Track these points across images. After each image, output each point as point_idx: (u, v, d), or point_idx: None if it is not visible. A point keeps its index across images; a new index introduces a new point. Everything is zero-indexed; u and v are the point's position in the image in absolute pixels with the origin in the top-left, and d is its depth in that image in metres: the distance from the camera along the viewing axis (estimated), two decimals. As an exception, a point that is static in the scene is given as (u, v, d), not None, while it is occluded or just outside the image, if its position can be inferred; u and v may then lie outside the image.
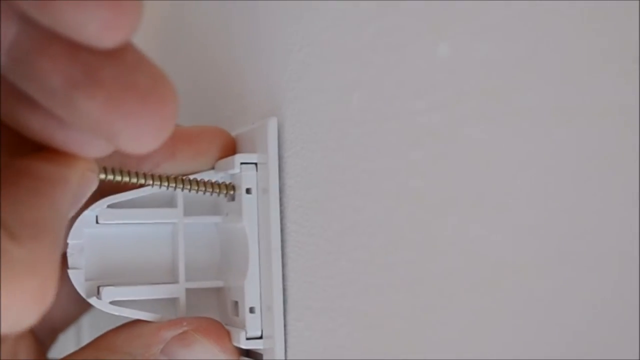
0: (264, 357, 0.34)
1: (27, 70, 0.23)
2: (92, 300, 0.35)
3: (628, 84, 0.19)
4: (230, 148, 0.37)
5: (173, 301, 0.37)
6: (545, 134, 0.22)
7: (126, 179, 0.34)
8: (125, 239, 0.36)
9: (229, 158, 0.35)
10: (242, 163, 0.35)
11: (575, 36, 0.21)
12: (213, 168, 0.37)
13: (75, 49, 0.22)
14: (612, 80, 0.20)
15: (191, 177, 0.35)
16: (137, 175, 0.34)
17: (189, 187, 0.35)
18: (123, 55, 0.23)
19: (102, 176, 0.33)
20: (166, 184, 0.35)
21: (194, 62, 0.47)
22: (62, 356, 0.35)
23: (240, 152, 0.36)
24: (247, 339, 0.34)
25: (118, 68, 0.22)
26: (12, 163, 0.24)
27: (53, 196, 0.24)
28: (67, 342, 0.54)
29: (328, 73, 0.31)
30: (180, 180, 0.35)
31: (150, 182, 0.34)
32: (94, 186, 0.28)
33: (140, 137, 0.23)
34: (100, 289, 0.35)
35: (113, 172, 0.33)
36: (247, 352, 0.35)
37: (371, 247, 0.29)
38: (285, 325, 0.34)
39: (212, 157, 0.37)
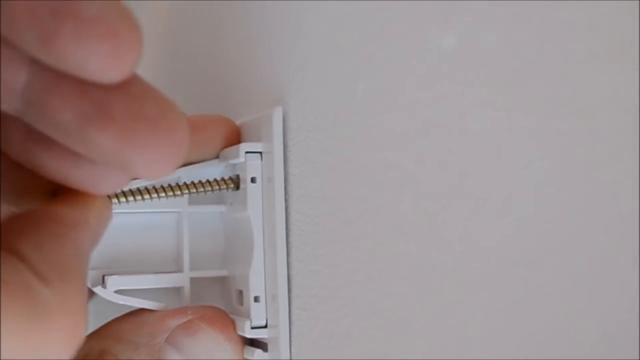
0: (269, 346, 0.34)
1: (40, 110, 0.23)
2: (97, 289, 0.35)
3: (635, 77, 0.19)
4: (235, 137, 0.37)
5: (178, 290, 0.37)
6: (551, 126, 0.21)
7: (131, 198, 0.34)
8: (130, 227, 0.36)
9: (234, 147, 0.35)
10: (247, 152, 0.35)
11: (581, 27, 0.21)
12: (217, 157, 0.37)
13: (84, 86, 0.23)
14: (619, 72, 0.20)
15: (195, 179, 0.36)
16: (140, 192, 0.35)
17: (194, 190, 0.35)
18: (129, 87, 0.23)
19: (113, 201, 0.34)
20: (172, 193, 0.35)
21: (200, 52, 0.47)
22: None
23: (244, 141, 0.36)
24: (252, 328, 0.34)
25: (126, 100, 0.23)
26: (33, 210, 0.25)
27: (75, 238, 0.25)
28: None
29: (333, 63, 0.31)
30: (185, 186, 0.35)
31: (156, 196, 0.35)
32: (109, 222, 0.28)
33: (154, 164, 0.24)
34: (105, 277, 0.35)
35: (124, 195, 0.34)
36: (251, 341, 0.35)
37: (376, 236, 0.29)
38: (289, 314, 0.34)
39: (217, 146, 0.37)
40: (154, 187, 0.35)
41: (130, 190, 0.35)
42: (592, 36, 0.20)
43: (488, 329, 0.24)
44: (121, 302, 0.35)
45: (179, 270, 0.36)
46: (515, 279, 0.23)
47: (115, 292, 0.35)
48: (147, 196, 0.35)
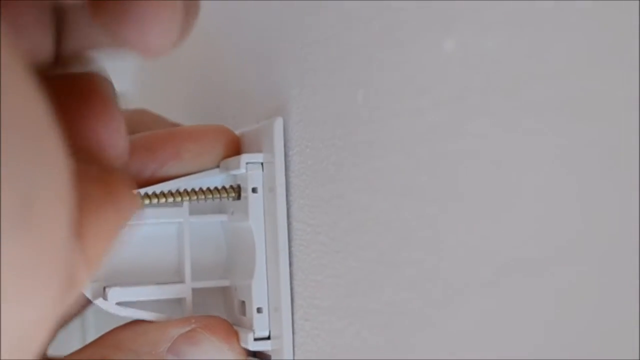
0: (272, 358, 0.34)
1: None
2: (99, 302, 0.35)
3: (636, 79, 0.19)
4: (235, 146, 0.37)
5: (179, 301, 0.36)
6: (552, 131, 0.21)
7: None
8: (131, 239, 0.36)
9: (235, 158, 0.35)
10: (247, 163, 0.34)
11: (582, 30, 0.20)
12: (217, 166, 0.36)
13: None
14: (621, 75, 0.19)
15: (196, 187, 0.35)
16: (141, 197, 0.35)
17: (195, 197, 0.35)
18: None
19: None
20: (172, 199, 0.35)
21: (198, 61, 0.47)
22: (67, 353, 0.35)
23: (245, 151, 0.36)
24: (255, 339, 0.34)
25: None
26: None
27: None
28: (72, 340, 0.54)
29: (333, 70, 0.31)
30: (186, 193, 0.35)
31: (156, 201, 0.35)
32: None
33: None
34: (106, 289, 0.35)
35: None
36: (254, 353, 0.35)
37: (378, 246, 0.29)
38: (292, 325, 0.34)
39: (216, 156, 0.37)
40: (154, 193, 0.35)
41: None
42: (594, 38, 0.20)
43: (493, 338, 0.24)
44: (123, 314, 0.35)
45: (181, 280, 0.36)
46: (520, 286, 0.23)
47: (117, 304, 0.35)
48: (147, 201, 0.35)
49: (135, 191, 0.28)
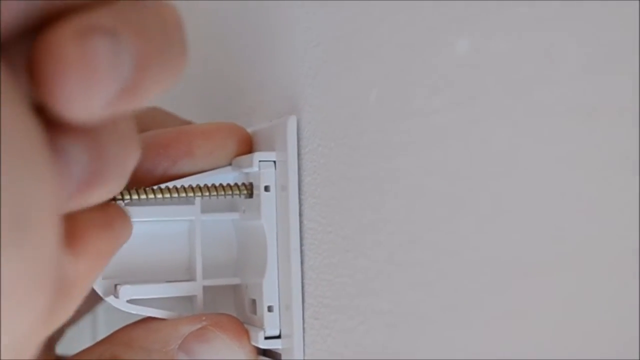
0: (283, 357, 0.34)
1: None
2: (110, 299, 0.35)
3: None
4: (247, 144, 0.37)
5: (190, 299, 0.37)
6: (562, 134, 0.21)
7: (143, 196, 0.34)
8: (142, 236, 0.36)
9: (248, 156, 0.35)
10: (260, 161, 0.34)
11: (594, 32, 0.20)
12: (230, 164, 0.36)
13: None
14: (631, 80, 0.19)
15: (208, 183, 0.35)
16: (153, 192, 0.35)
17: (207, 193, 0.35)
18: None
19: (120, 198, 0.34)
20: (184, 195, 0.35)
21: (210, 60, 0.47)
22: (77, 351, 0.35)
23: (257, 149, 0.36)
24: (266, 338, 0.34)
25: None
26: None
27: None
28: (82, 337, 0.54)
29: (345, 70, 0.31)
30: (198, 188, 0.35)
31: (169, 195, 0.35)
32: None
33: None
34: (118, 287, 0.35)
35: (129, 193, 0.34)
36: (264, 351, 0.35)
37: (389, 245, 0.29)
38: (303, 323, 0.34)
39: (229, 153, 0.37)
40: (167, 187, 0.35)
41: (140, 190, 0.34)
42: (605, 42, 0.20)
43: (502, 338, 0.24)
44: (134, 312, 0.35)
45: (192, 278, 0.36)
46: (530, 288, 0.23)
47: (128, 301, 0.35)
48: (159, 195, 0.35)
49: (129, 219, 0.29)
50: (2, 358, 0.22)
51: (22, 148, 0.21)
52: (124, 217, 0.28)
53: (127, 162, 0.26)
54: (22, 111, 0.21)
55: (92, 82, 0.22)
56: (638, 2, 0.19)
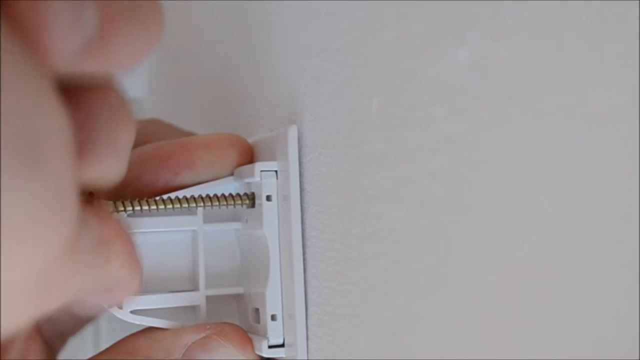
0: (286, 366, 0.34)
1: None
2: (113, 310, 0.35)
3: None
4: (248, 155, 0.37)
5: (193, 309, 0.37)
6: (565, 140, 0.22)
7: (145, 207, 0.34)
8: (145, 247, 0.36)
9: (249, 166, 0.35)
10: (262, 171, 0.35)
11: (596, 38, 0.21)
12: (231, 174, 0.37)
13: None
14: (634, 85, 0.20)
15: (210, 193, 0.36)
16: (156, 202, 0.35)
17: (209, 204, 0.35)
18: None
19: (122, 210, 0.34)
20: (186, 205, 0.35)
21: (210, 70, 0.47)
22: None
23: (258, 159, 0.36)
24: (270, 347, 0.34)
25: None
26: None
27: None
28: (85, 347, 0.54)
29: (346, 78, 0.31)
30: (201, 198, 0.35)
31: (171, 206, 0.35)
32: None
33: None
34: (121, 297, 0.35)
35: (132, 204, 0.34)
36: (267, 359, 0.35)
37: (392, 253, 0.29)
38: (306, 331, 0.34)
39: (230, 164, 0.37)
40: (169, 198, 0.35)
41: (142, 201, 0.35)
42: (608, 47, 0.20)
43: (506, 345, 0.24)
44: (137, 323, 0.35)
45: (195, 288, 0.36)
46: (533, 294, 0.23)
47: (131, 312, 0.35)
48: (162, 206, 0.35)
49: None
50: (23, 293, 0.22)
51: (28, 79, 0.21)
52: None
53: (119, 134, 0.26)
54: (24, 49, 0.21)
55: (56, 29, 0.22)
56: (638, 2, 0.19)
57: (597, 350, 0.21)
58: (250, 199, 0.36)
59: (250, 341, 0.35)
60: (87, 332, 0.54)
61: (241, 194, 0.36)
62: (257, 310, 0.36)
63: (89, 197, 0.26)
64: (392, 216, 0.29)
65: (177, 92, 0.54)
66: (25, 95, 0.21)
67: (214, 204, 0.36)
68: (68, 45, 0.22)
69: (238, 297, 0.38)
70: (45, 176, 0.21)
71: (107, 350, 0.35)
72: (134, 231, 0.35)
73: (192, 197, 0.35)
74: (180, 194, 0.35)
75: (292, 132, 0.34)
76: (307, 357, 0.33)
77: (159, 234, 0.37)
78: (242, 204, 0.36)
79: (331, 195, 0.32)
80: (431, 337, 0.27)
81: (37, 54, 0.22)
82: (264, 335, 0.34)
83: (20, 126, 0.21)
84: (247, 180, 0.35)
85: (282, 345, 0.34)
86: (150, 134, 0.39)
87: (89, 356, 0.35)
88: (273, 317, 0.34)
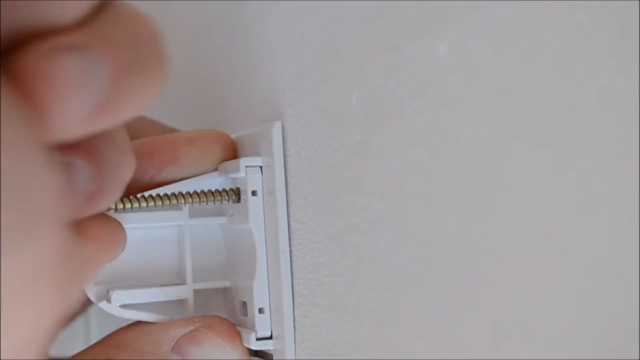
0: (274, 357, 0.35)
1: None
2: (103, 305, 0.35)
3: (629, 82, 0.19)
4: (231, 150, 0.37)
5: (181, 302, 0.37)
6: (546, 133, 0.22)
7: (128, 205, 0.35)
8: (132, 242, 0.36)
9: (234, 161, 0.35)
10: (247, 166, 0.35)
11: (575, 30, 0.21)
12: (215, 170, 0.37)
13: None
14: (615, 78, 0.20)
15: (197, 189, 0.36)
16: (145, 199, 0.35)
17: (197, 200, 0.36)
18: None
19: (111, 208, 0.34)
20: (175, 202, 0.35)
21: (193, 67, 0.47)
22: (71, 354, 0.35)
23: (242, 155, 0.36)
24: (257, 339, 0.34)
25: None
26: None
27: None
28: (75, 340, 0.54)
29: (327, 73, 0.32)
30: (188, 195, 0.36)
31: (159, 203, 0.35)
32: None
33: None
34: (110, 292, 0.35)
35: (122, 202, 0.35)
36: (255, 352, 0.36)
37: (375, 245, 0.29)
38: (293, 322, 0.34)
39: (214, 160, 0.37)
40: (157, 195, 0.35)
41: (129, 198, 0.35)
42: (587, 38, 0.20)
43: (492, 335, 0.24)
44: (126, 317, 0.35)
45: (182, 282, 0.37)
46: (518, 284, 0.23)
47: (120, 306, 0.35)
48: (151, 203, 0.35)
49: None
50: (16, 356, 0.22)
51: (22, 151, 0.21)
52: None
53: (126, 173, 0.27)
54: (23, 124, 0.22)
55: (64, 99, 0.22)
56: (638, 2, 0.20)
57: (593, 345, 0.21)
58: (236, 194, 0.36)
59: (239, 334, 0.35)
60: (77, 325, 0.54)
61: (227, 189, 0.36)
62: (244, 303, 0.36)
63: None
64: (374, 208, 0.29)
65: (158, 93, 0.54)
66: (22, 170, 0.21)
67: (201, 200, 0.36)
68: (76, 115, 0.22)
69: (225, 291, 0.38)
70: (37, 245, 0.21)
71: (96, 343, 0.36)
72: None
73: (180, 193, 0.36)
74: (168, 190, 0.36)
75: (277, 128, 0.34)
76: (295, 348, 0.34)
77: (145, 229, 0.37)
78: (228, 200, 0.36)
79: (314, 188, 0.32)
80: (415, 327, 0.27)
81: (42, 125, 0.22)
82: (252, 328, 0.35)
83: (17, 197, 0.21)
84: (232, 175, 0.36)
85: (270, 338, 0.35)
86: (134, 130, 0.39)
87: (80, 349, 0.35)
88: (260, 310, 0.35)
